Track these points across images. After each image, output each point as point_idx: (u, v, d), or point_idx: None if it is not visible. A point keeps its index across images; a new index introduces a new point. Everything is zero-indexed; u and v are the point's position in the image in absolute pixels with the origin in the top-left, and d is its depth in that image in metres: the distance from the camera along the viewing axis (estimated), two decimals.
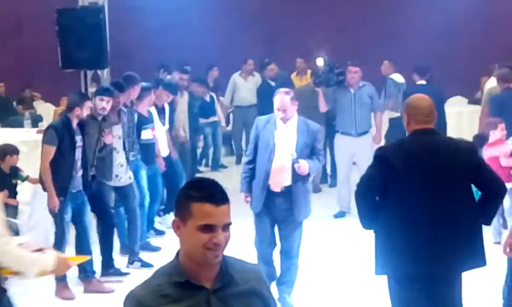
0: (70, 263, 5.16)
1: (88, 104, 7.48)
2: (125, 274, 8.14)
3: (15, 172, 8.29)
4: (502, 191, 5.03)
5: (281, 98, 6.73)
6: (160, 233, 9.64)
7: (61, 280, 7.34)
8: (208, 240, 2.84)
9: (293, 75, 14.50)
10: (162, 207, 10.22)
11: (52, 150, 7.14)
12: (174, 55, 13.89)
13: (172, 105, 10.31)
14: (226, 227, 2.89)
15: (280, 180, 6.73)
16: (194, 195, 2.87)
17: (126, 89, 8.71)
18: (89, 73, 11.92)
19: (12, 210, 8.31)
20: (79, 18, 11.40)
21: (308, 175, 6.82)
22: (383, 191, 4.81)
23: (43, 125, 10.23)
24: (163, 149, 9.64)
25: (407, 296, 4.88)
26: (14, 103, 15.64)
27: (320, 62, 14.29)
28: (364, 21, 17.34)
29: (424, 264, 4.78)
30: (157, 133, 9.32)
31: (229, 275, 2.99)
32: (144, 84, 9.33)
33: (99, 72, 12.06)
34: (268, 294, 3.15)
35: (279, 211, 6.82)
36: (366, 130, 10.52)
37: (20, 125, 11.77)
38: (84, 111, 7.36)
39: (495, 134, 8.47)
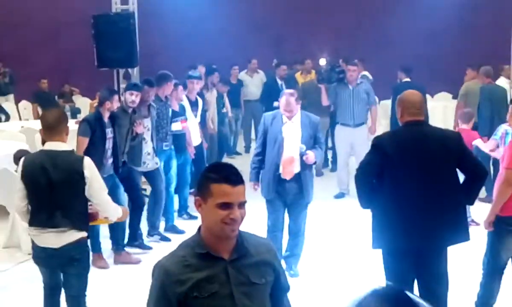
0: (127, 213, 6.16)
1: (117, 97, 7.44)
2: (148, 247, 8.11)
3: None
4: (484, 175, 5.01)
5: (287, 99, 6.70)
6: (193, 217, 9.21)
7: (96, 251, 7.37)
8: (226, 216, 2.88)
9: (297, 74, 14.43)
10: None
11: (85, 141, 7.09)
12: (194, 56, 13.87)
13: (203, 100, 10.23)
14: (241, 204, 2.93)
15: (291, 170, 6.73)
16: (213, 177, 2.92)
17: (160, 85, 8.66)
18: (121, 71, 11.93)
19: None
20: (112, 23, 11.39)
21: (314, 162, 6.89)
22: (379, 175, 4.79)
23: (81, 116, 10.27)
24: (195, 138, 9.49)
25: (398, 267, 4.88)
26: (56, 97, 15.66)
27: (323, 62, 14.27)
28: (359, 26, 17.30)
29: (414, 239, 4.78)
30: (189, 125, 9.18)
31: (244, 248, 3.03)
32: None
33: (129, 70, 12.07)
34: (278, 265, 3.20)
35: (290, 195, 6.83)
36: (363, 121, 10.50)
37: None
38: (114, 104, 7.33)
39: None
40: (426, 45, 16.21)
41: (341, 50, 14.49)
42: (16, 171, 8.08)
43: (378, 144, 4.92)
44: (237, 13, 17.21)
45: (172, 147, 8.80)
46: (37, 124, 11.59)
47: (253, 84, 14.33)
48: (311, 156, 6.64)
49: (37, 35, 17.36)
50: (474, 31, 16.43)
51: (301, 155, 6.63)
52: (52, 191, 5.04)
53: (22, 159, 5.39)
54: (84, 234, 5.16)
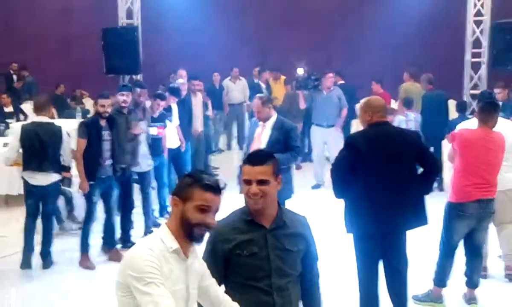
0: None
1: (102, 102, 6.86)
2: None
3: None
4: (438, 170, 5.07)
5: (255, 102, 6.56)
6: None
7: (84, 251, 7.00)
8: (247, 190, 3.09)
9: (270, 80, 14.47)
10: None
11: (83, 142, 6.76)
12: (189, 65, 13.87)
13: (186, 105, 9.68)
14: (261, 182, 3.08)
15: None
16: (244, 160, 3.19)
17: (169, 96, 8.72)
18: (126, 77, 11.93)
19: (67, 181, 8.33)
20: (119, 35, 11.42)
21: (281, 167, 6.42)
22: (352, 168, 4.79)
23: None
24: (171, 142, 8.86)
25: (367, 249, 4.91)
26: (68, 100, 15.60)
27: (300, 71, 14.31)
28: (333, 40, 17.35)
29: (381, 224, 4.79)
30: (167, 131, 8.58)
31: (282, 220, 3.21)
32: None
33: (133, 76, 12.08)
34: (310, 238, 3.37)
35: None
36: (335, 122, 10.54)
37: (73, 116, 11.73)
38: (99, 107, 6.87)
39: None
40: (391, 57, 16.27)
41: (318, 61, 14.53)
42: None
43: (351, 142, 4.92)
44: (228, 27, 17.21)
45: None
46: None
47: (236, 89, 14.21)
48: None
49: (52, 46, 17.31)
50: (432, 44, 16.52)
51: None
52: (41, 147, 6.64)
53: (20, 126, 6.96)
54: (59, 176, 6.89)
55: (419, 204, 4.90)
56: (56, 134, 6.76)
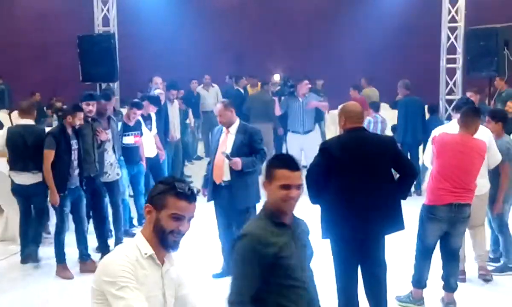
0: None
1: (80, 115, 6.77)
2: None
3: None
4: (414, 174, 5.08)
5: (218, 106, 6.54)
6: None
7: (61, 262, 6.86)
8: (286, 195, 3.11)
9: (248, 86, 14.52)
10: None
11: (51, 153, 6.58)
12: (165, 72, 13.83)
13: (161, 113, 9.53)
14: (298, 187, 3.15)
15: (219, 175, 6.35)
16: (276, 164, 3.18)
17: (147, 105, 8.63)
18: (103, 85, 11.84)
19: None
20: (95, 43, 11.30)
21: (245, 170, 6.28)
22: (326, 174, 4.78)
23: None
24: (150, 150, 8.81)
25: (344, 254, 4.90)
26: (45, 108, 15.45)
27: (276, 77, 14.36)
28: (311, 46, 17.42)
29: (357, 229, 4.78)
30: (143, 138, 8.52)
31: (296, 219, 3.33)
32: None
33: (110, 84, 11.99)
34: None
35: (224, 200, 6.39)
36: (311, 129, 10.57)
37: (49, 124, 11.63)
38: (76, 121, 6.73)
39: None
40: (368, 62, 16.39)
41: (295, 68, 14.59)
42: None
43: (326, 148, 4.91)
44: (204, 34, 17.23)
45: (122, 158, 8.02)
46: None
47: (209, 96, 14.09)
48: (236, 162, 6.18)
49: (28, 53, 17.15)
50: (408, 49, 16.67)
51: (228, 160, 6.24)
52: (26, 148, 6.94)
53: (6, 129, 7.37)
54: (41, 176, 6.84)
55: (395, 209, 4.90)
56: (40, 136, 6.87)
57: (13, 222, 7.99)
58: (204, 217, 7.37)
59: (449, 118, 10.19)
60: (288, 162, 3.18)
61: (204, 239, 7.69)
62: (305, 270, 3.27)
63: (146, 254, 2.71)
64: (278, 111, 10.95)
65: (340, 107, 5.13)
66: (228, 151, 6.27)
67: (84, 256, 7.03)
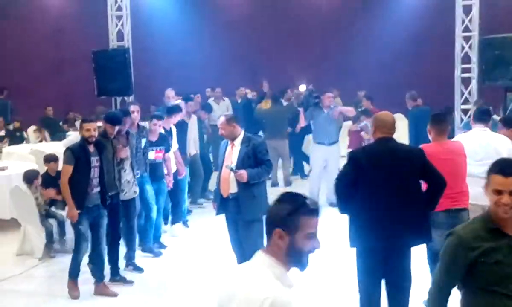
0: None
1: (94, 125, 6.47)
2: (130, 281, 7.05)
3: (59, 175, 7.27)
4: (443, 185, 4.97)
5: (220, 119, 6.47)
6: (163, 246, 8.26)
7: (71, 278, 6.59)
8: (498, 200, 3.07)
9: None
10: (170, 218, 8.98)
11: (70, 169, 6.29)
12: (179, 85, 13.79)
13: (182, 127, 9.22)
14: (511, 193, 3.07)
15: (225, 188, 6.27)
16: (492, 169, 3.15)
17: (168, 117, 8.39)
18: (118, 99, 11.83)
19: (60, 205, 8.17)
20: (110, 57, 11.36)
21: (251, 181, 6.16)
22: (354, 183, 4.76)
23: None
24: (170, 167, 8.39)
25: (369, 263, 4.85)
26: (61, 123, 15.45)
27: (302, 88, 14.23)
28: (325, 57, 17.34)
29: (382, 238, 4.74)
30: (165, 154, 8.15)
31: None
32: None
33: (125, 98, 11.98)
34: None
35: (232, 213, 6.31)
36: (336, 140, 10.41)
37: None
38: (87, 132, 6.37)
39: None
40: (381, 73, 16.30)
41: (308, 78, 14.52)
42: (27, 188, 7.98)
43: (354, 157, 4.92)
44: (218, 46, 17.19)
45: (145, 174, 7.75)
46: (45, 147, 11.50)
47: (220, 110, 13.54)
48: (241, 174, 6.08)
49: (43, 68, 17.18)
50: (421, 60, 16.56)
51: (233, 173, 6.15)
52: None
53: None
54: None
55: (422, 220, 4.85)
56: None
57: (31, 236, 7.98)
58: (218, 230, 7.39)
59: (466, 126, 10.04)
60: (502, 168, 3.14)
61: (222, 246, 7.60)
62: None
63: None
64: (302, 122, 10.84)
65: (373, 117, 5.14)
66: (234, 164, 6.21)
67: (98, 278, 6.73)
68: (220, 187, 6.37)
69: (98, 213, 6.55)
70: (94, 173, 6.45)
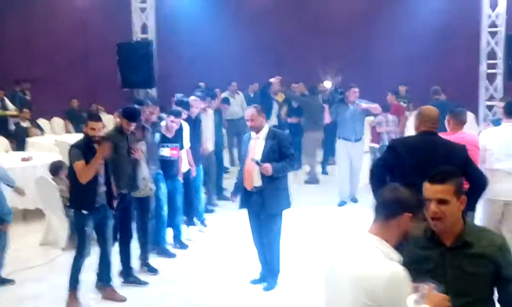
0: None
1: (100, 124, 6.02)
2: (144, 282, 6.81)
3: None
4: (484, 183, 4.91)
5: (250, 110, 6.46)
6: (184, 246, 8.03)
7: (71, 289, 6.13)
8: (427, 207, 3.01)
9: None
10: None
11: (81, 163, 5.83)
12: (203, 77, 13.83)
13: (196, 123, 8.75)
14: (439, 201, 3.00)
15: (249, 182, 6.29)
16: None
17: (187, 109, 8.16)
18: (141, 91, 11.90)
19: None
20: (134, 50, 11.43)
21: (276, 175, 6.19)
22: (390, 171, 4.86)
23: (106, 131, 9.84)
24: (182, 166, 8.07)
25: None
26: (84, 115, 15.58)
27: (327, 84, 14.15)
28: (350, 51, 17.24)
29: None
30: (180, 151, 7.87)
31: (463, 240, 3.06)
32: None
33: (148, 90, 12.05)
34: (502, 260, 3.05)
35: (255, 207, 6.32)
36: (361, 137, 10.29)
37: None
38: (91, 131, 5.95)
39: None
40: (406, 68, 16.17)
41: (335, 73, 14.44)
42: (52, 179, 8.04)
43: (393, 145, 5.02)
44: (241, 37, 17.16)
45: (160, 171, 7.50)
46: (69, 138, 11.61)
47: (235, 104, 13.58)
48: (266, 167, 6.11)
49: (67, 60, 17.33)
50: (446, 55, 16.41)
51: (258, 166, 6.18)
52: None
53: None
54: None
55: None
56: None
57: (55, 227, 8.09)
58: (240, 223, 7.41)
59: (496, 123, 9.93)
60: (433, 175, 3.10)
61: (241, 245, 7.62)
62: (454, 295, 2.97)
63: (400, 261, 2.73)
64: (327, 118, 10.70)
65: (419, 109, 5.17)
66: (258, 157, 6.24)
67: (105, 281, 6.42)
68: (244, 180, 6.40)
69: (104, 214, 6.19)
70: (100, 171, 6.05)
